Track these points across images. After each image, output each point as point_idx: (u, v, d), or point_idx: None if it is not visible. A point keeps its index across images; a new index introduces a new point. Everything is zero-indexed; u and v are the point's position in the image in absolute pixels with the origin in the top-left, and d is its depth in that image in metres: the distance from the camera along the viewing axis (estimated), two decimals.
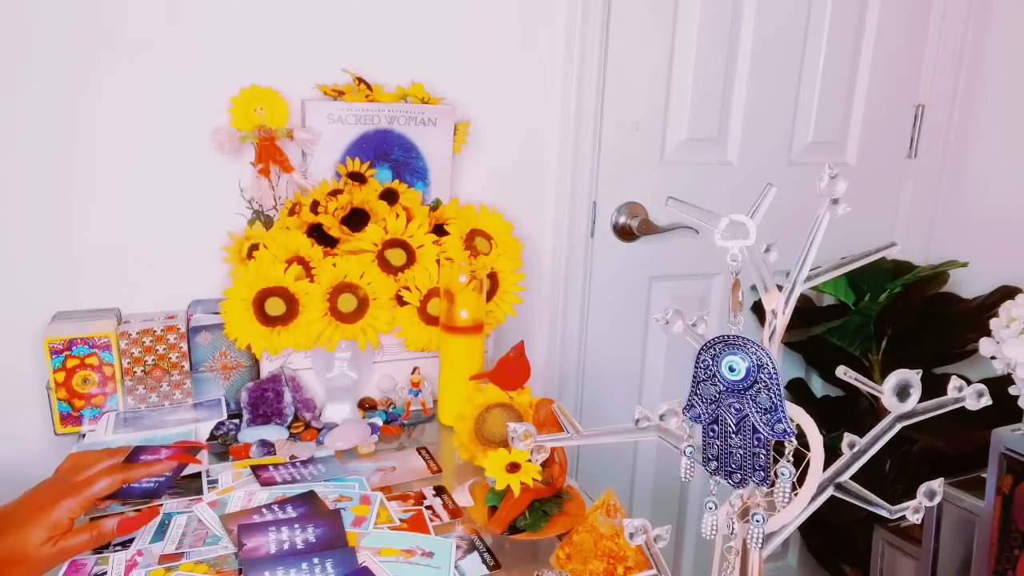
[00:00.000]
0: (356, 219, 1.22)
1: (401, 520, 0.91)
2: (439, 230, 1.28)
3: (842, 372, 0.61)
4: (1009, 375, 1.27)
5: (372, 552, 0.83)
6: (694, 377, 0.54)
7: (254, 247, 1.19)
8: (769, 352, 0.51)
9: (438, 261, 1.22)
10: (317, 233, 1.21)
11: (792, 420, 0.53)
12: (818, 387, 1.90)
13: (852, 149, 1.79)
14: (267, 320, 1.12)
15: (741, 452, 0.54)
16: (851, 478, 0.56)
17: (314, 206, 1.23)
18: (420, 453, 1.12)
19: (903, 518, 0.55)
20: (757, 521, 0.54)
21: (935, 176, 1.86)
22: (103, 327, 1.14)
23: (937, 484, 0.54)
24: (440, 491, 1.00)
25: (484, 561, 0.85)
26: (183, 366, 1.18)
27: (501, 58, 1.43)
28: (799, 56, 1.67)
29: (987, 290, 1.67)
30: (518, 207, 1.49)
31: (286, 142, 1.25)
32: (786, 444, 0.53)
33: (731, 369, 0.52)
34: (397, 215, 1.22)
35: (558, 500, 0.94)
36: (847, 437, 0.57)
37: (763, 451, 0.53)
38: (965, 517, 1.35)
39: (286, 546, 0.82)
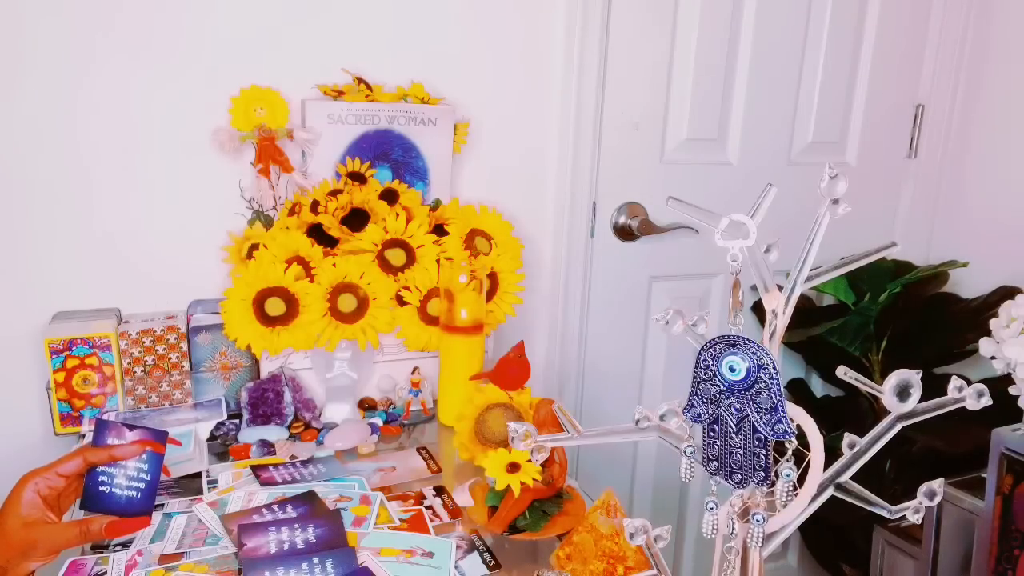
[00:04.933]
0: (356, 219, 1.22)
1: (401, 520, 0.91)
2: (439, 230, 1.28)
3: (842, 372, 0.61)
4: (1009, 375, 1.27)
5: (372, 552, 0.83)
6: (694, 377, 0.54)
7: (254, 247, 1.19)
8: (769, 352, 0.51)
9: (438, 261, 1.22)
10: (317, 233, 1.21)
11: (792, 420, 0.53)
12: (818, 387, 1.90)
13: (852, 149, 1.79)
14: (267, 320, 1.12)
15: (741, 452, 0.54)
16: (851, 478, 0.56)
17: (314, 206, 1.23)
18: (420, 453, 1.12)
19: (903, 518, 0.55)
20: (757, 521, 0.54)
21: (935, 176, 1.85)
22: (103, 327, 1.14)
23: (937, 484, 0.54)
24: (440, 491, 1.00)
25: (484, 561, 0.85)
26: (183, 366, 1.18)
27: (501, 58, 1.43)
28: (799, 56, 1.67)
29: (987, 290, 1.67)
30: (518, 207, 1.49)
31: (286, 142, 1.25)
32: (786, 444, 0.53)
33: (731, 369, 0.52)
34: (397, 215, 1.22)
35: (558, 500, 0.94)
36: (847, 437, 0.57)
37: (763, 451, 0.53)
38: (965, 517, 1.35)
39: (286, 546, 0.82)
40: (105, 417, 1.10)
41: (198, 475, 1.01)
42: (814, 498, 0.56)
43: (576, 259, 1.57)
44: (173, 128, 1.24)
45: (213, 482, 1.00)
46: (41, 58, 1.15)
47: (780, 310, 0.57)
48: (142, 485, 0.87)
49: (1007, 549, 1.28)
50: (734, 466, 0.54)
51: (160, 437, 0.89)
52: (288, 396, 1.17)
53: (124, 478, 0.86)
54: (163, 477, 0.98)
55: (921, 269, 1.73)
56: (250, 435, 1.11)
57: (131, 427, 0.88)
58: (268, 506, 0.92)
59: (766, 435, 0.52)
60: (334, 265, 1.16)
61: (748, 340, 0.52)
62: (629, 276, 1.65)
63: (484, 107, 1.43)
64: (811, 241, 0.55)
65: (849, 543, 1.71)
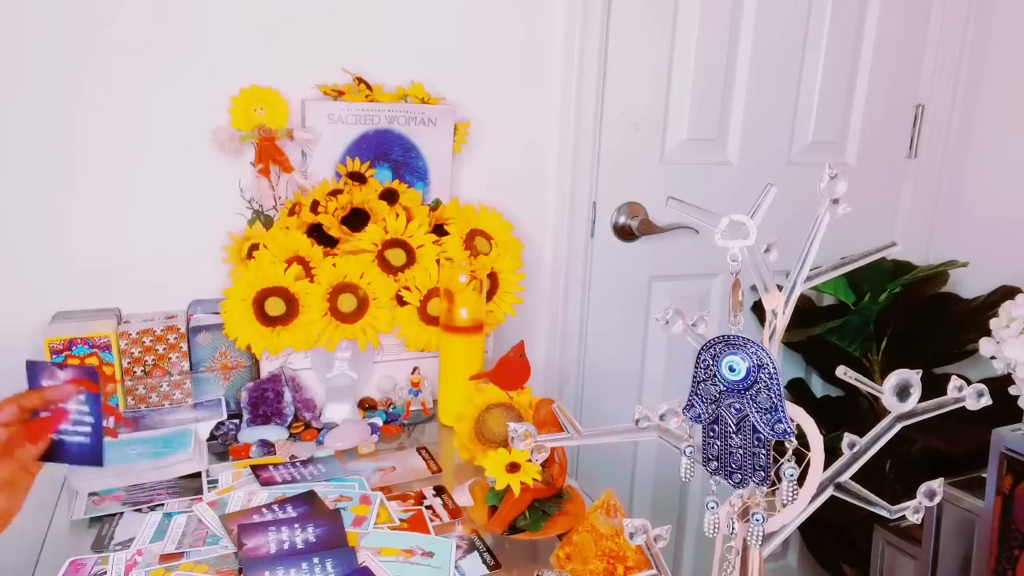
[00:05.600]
0: (356, 219, 1.22)
1: (401, 520, 0.91)
2: (439, 230, 1.28)
3: (842, 372, 0.61)
4: (1009, 375, 1.27)
5: (372, 552, 0.83)
6: (694, 377, 0.54)
7: (254, 247, 1.19)
8: (769, 352, 0.51)
9: (438, 261, 1.22)
10: (317, 233, 1.21)
11: (792, 420, 0.53)
12: (818, 387, 1.90)
13: (852, 149, 1.79)
14: (267, 320, 1.12)
15: (741, 452, 0.54)
16: (851, 478, 0.56)
17: (314, 206, 1.23)
18: (420, 453, 1.12)
19: (903, 518, 0.55)
20: (757, 520, 0.54)
21: (935, 176, 1.85)
22: (103, 327, 1.14)
23: (937, 484, 0.54)
24: (440, 491, 1.00)
25: (484, 561, 0.85)
26: (183, 366, 1.18)
27: (501, 58, 1.43)
28: (799, 56, 1.67)
29: (987, 290, 1.67)
30: (518, 207, 1.49)
31: (286, 142, 1.25)
32: (786, 444, 0.53)
33: (731, 369, 0.52)
34: (397, 215, 1.22)
35: (558, 500, 0.94)
36: (847, 437, 0.57)
37: (763, 451, 0.53)
38: (965, 517, 1.35)
39: (286, 546, 0.82)
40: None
41: (198, 475, 1.01)
42: (814, 498, 0.56)
43: (576, 259, 1.57)
44: (173, 128, 1.24)
45: (213, 482, 1.00)
46: (42, 58, 1.15)
47: (780, 310, 0.57)
48: (88, 428, 0.82)
49: (1007, 549, 1.28)
50: (734, 466, 0.54)
51: (91, 375, 0.86)
52: (288, 396, 1.17)
53: (70, 423, 0.84)
54: (162, 478, 0.99)
55: (921, 269, 1.73)
56: (250, 435, 1.11)
57: (63, 367, 0.86)
58: (268, 506, 0.92)
59: (766, 435, 0.52)
60: (334, 265, 1.16)
61: (748, 340, 0.52)
62: (629, 276, 1.65)
63: (484, 107, 1.43)
64: (811, 241, 0.55)
65: (849, 543, 1.71)
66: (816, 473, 0.55)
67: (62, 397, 0.83)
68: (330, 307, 1.15)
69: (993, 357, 1.29)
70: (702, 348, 0.54)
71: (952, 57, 1.78)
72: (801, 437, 0.54)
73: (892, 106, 1.80)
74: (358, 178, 1.28)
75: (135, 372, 1.15)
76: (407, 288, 1.21)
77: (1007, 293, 1.56)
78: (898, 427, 0.54)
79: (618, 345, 1.68)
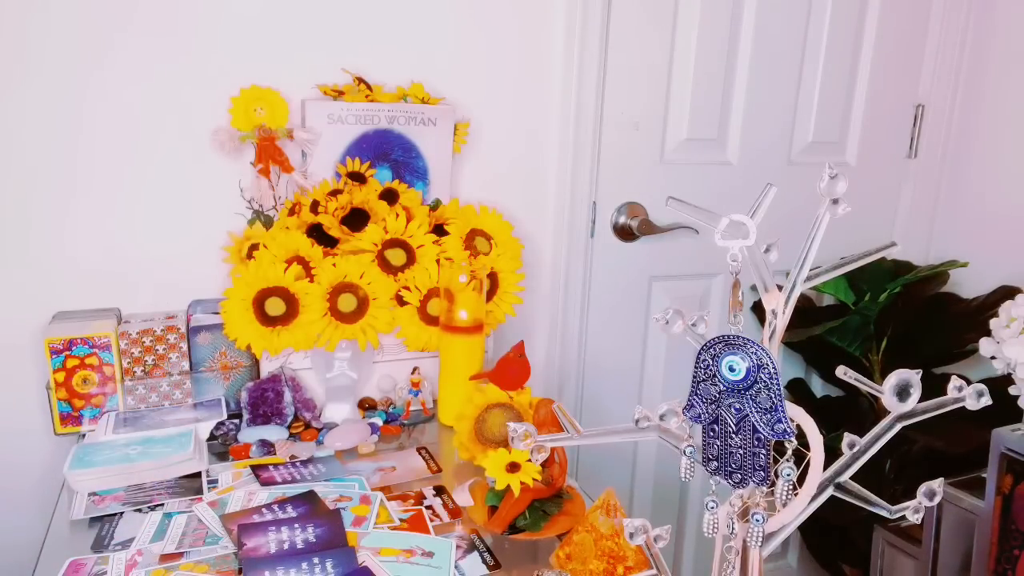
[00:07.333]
0: (356, 219, 1.22)
1: (401, 520, 0.91)
2: (439, 230, 1.28)
3: (842, 372, 0.61)
4: (1009, 375, 1.27)
5: (372, 552, 0.83)
6: (694, 377, 0.54)
7: (254, 247, 1.19)
8: (769, 352, 0.51)
9: (438, 261, 1.22)
10: (317, 233, 1.21)
11: (792, 420, 0.53)
12: (818, 387, 1.90)
13: (852, 149, 1.79)
14: (267, 320, 1.12)
15: (741, 452, 0.54)
16: (851, 478, 0.56)
17: (314, 206, 1.23)
18: (420, 453, 1.12)
19: (903, 518, 0.55)
20: (757, 520, 0.54)
21: (935, 176, 1.85)
22: (103, 327, 1.14)
23: (937, 484, 0.54)
24: (440, 491, 1.00)
25: (484, 561, 0.85)
26: (183, 366, 1.18)
27: (501, 58, 1.43)
28: (799, 56, 1.67)
29: (987, 290, 1.67)
30: (518, 207, 1.49)
31: (286, 142, 1.25)
32: (786, 444, 0.53)
33: (731, 369, 0.52)
34: (397, 215, 1.22)
35: (558, 500, 0.94)
36: (847, 437, 0.57)
37: (763, 451, 0.53)
38: (965, 517, 1.35)
39: (286, 546, 0.82)
40: (105, 417, 1.10)
41: (198, 475, 1.01)
42: (814, 498, 0.56)
43: (576, 259, 1.57)
44: (173, 128, 1.24)
45: (213, 482, 1.00)
46: (43, 59, 1.15)
47: (780, 310, 0.57)
48: None
49: (1007, 549, 1.28)
50: (734, 466, 0.54)
51: None
52: (288, 396, 1.17)
53: None
54: (162, 478, 0.99)
55: (921, 269, 1.73)
56: (250, 435, 1.11)
57: None
58: (268, 506, 0.92)
59: (766, 435, 0.52)
60: (334, 265, 1.16)
61: (748, 340, 0.52)
62: (629, 276, 1.65)
63: (484, 107, 1.43)
64: (811, 241, 0.55)
65: (849, 543, 1.71)
66: (816, 473, 0.55)
67: None
68: (330, 307, 1.15)
69: (993, 357, 1.29)
70: (702, 348, 0.54)
71: (952, 57, 1.78)
72: (801, 437, 0.54)
73: (892, 106, 1.80)
74: (358, 178, 1.28)
75: (135, 372, 1.15)
76: (407, 288, 1.21)
77: (1007, 293, 1.56)
78: (898, 427, 0.54)
79: (618, 345, 1.68)
